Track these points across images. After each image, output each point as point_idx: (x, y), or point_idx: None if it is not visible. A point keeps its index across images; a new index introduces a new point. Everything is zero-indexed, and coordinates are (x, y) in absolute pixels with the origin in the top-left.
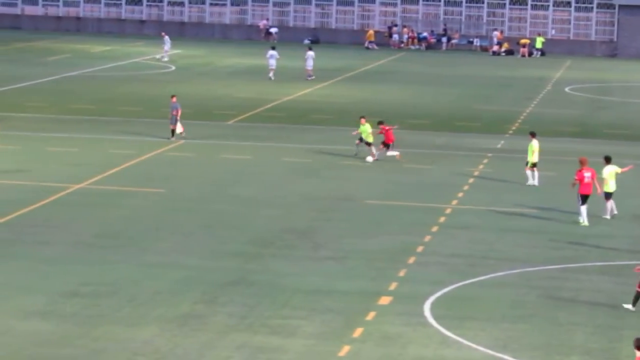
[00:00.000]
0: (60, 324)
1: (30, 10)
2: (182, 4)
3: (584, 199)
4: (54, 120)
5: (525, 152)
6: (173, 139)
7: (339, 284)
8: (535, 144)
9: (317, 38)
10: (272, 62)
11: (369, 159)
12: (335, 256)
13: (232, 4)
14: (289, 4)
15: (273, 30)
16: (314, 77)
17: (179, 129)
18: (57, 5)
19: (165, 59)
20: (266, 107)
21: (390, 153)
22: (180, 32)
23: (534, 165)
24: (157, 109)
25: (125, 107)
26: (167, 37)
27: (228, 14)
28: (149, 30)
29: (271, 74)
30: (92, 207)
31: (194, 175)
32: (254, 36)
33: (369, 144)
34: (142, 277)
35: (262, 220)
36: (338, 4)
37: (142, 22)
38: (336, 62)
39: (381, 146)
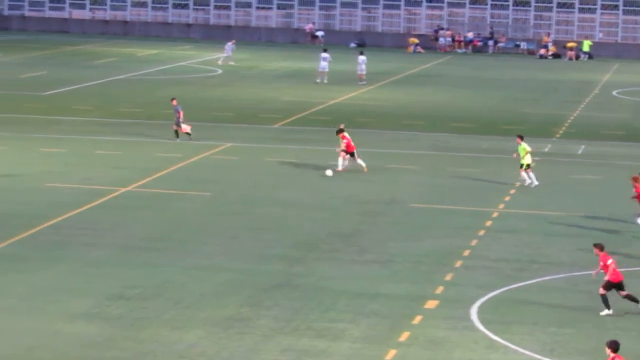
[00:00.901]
0: (107, 326)
1: (77, 14)
2: (228, 7)
3: None
4: (101, 123)
5: (570, 155)
6: (178, 140)
7: (384, 288)
8: (525, 147)
9: (363, 41)
10: (324, 65)
11: (329, 172)
12: (381, 260)
13: (278, 8)
14: (335, 7)
15: (319, 33)
16: (365, 82)
17: (186, 129)
18: (105, 9)
19: (221, 63)
20: (312, 110)
21: (360, 161)
22: (227, 35)
23: (527, 166)
24: (204, 112)
25: (171, 111)
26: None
27: (274, 18)
28: (195, 34)
29: (319, 77)
30: (139, 210)
31: (240, 179)
32: (300, 40)
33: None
34: (188, 280)
35: (308, 223)
36: (384, 7)
37: (188, 25)
38: (382, 65)
39: (344, 154)
